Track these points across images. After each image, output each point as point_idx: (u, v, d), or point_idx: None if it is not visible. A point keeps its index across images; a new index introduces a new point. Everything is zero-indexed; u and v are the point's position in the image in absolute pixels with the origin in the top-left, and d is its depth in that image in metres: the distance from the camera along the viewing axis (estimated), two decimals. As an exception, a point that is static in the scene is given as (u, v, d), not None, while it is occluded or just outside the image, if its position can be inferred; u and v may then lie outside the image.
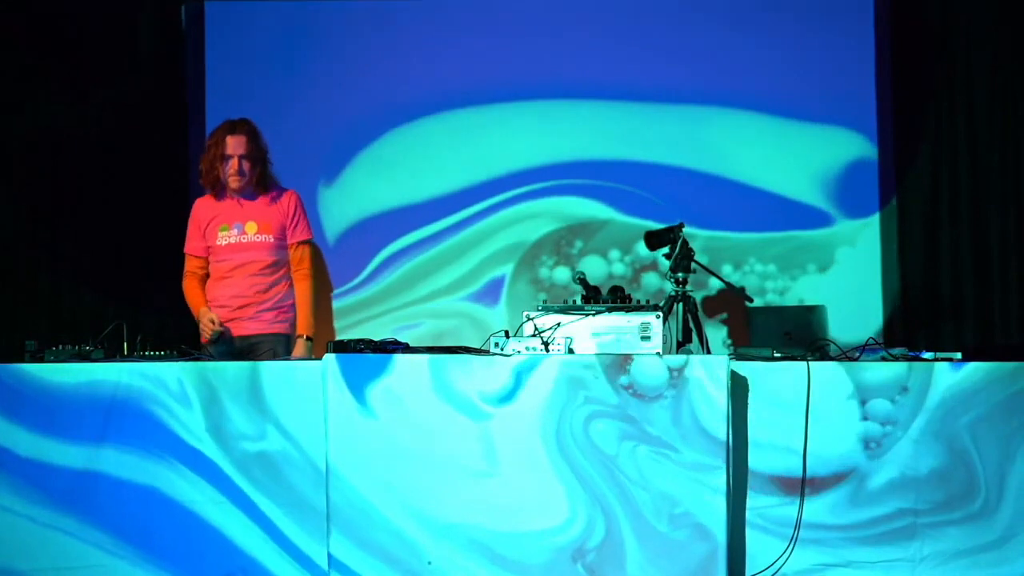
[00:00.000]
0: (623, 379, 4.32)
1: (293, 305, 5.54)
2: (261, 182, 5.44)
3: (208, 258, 5.52)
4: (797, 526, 4.38)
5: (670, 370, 4.30)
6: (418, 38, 6.65)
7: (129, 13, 6.57)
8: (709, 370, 4.28)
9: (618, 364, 4.31)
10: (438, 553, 4.33)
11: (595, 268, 6.52)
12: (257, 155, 5.41)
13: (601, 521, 4.31)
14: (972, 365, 4.41)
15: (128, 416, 4.46)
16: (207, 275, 5.54)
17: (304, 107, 6.66)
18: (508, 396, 4.33)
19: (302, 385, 4.46)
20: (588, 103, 6.56)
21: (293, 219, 5.50)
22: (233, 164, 5.38)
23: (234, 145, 5.37)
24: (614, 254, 6.57)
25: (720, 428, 4.27)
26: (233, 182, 5.40)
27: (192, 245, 5.55)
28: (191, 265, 5.55)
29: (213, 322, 5.36)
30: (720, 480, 4.26)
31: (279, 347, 5.46)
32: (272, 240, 5.46)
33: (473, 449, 4.33)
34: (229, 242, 5.45)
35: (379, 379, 4.37)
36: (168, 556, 4.46)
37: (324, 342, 4.70)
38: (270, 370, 4.50)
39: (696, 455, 4.28)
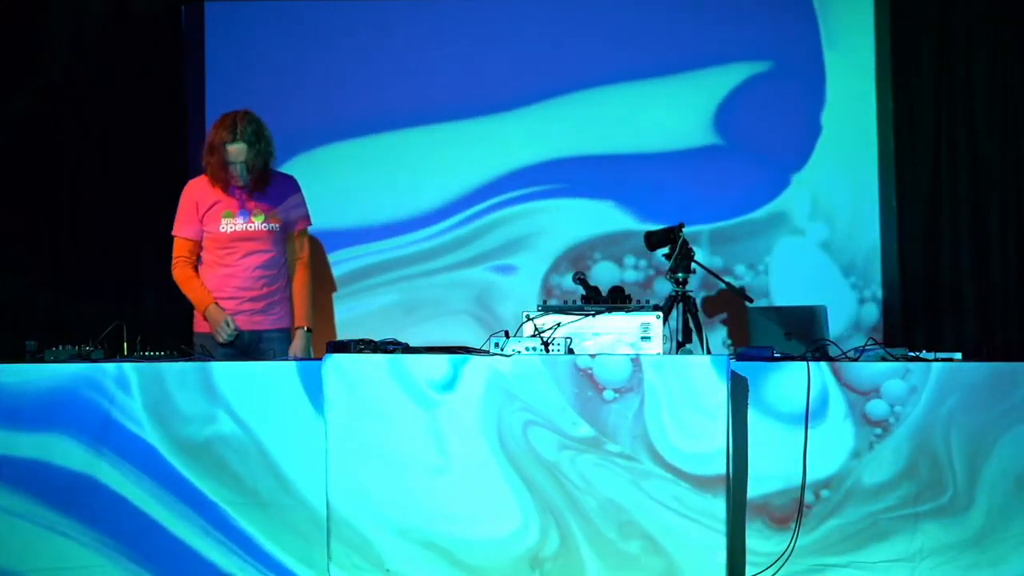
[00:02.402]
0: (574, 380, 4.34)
1: (291, 297, 5.46)
2: (264, 179, 5.32)
3: (201, 243, 5.36)
4: (797, 526, 4.38)
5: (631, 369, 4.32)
6: (419, 38, 6.64)
7: (129, 13, 6.57)
8: (673, 373, 4.29)
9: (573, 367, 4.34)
10: (396, 558, 4.33)
11: (607, 273, 6.54)
12: (259, 159, 5.27)
13: (554, 528, 4.32)
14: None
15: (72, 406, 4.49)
16: (197, 261, 5.38)
17: (304, 107, 6.65)
18: (449, 384, 4.35)
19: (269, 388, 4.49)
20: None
21: (294, 206, 5.42)
22: (235, 169, 5.26)
23: (235, 153, 5.23)
24: (629, 260, 6.57)
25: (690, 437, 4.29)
26: (236, 182, 5.30)
27: (187, 228, 5.34)
28: (183, 249, 5.34)
29: (229, 325, 5.25)
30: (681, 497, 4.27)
31: (285, 344, 5.40)
32: (278, 229, 5.36)
33: (425, 440, 4.33)
34: (234, 229, 5.30)
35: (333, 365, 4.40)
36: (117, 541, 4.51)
37: (324, 341, 4.71)
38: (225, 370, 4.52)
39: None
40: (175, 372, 4.48)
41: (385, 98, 6.63)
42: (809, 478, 4.37)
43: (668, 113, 6.54)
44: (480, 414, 4.34)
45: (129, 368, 4.49)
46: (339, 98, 6.65)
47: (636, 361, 4.31)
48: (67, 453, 4.48)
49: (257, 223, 5.32)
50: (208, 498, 4.47)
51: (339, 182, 6.55)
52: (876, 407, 4.40)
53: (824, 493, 4.39)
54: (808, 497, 4.39)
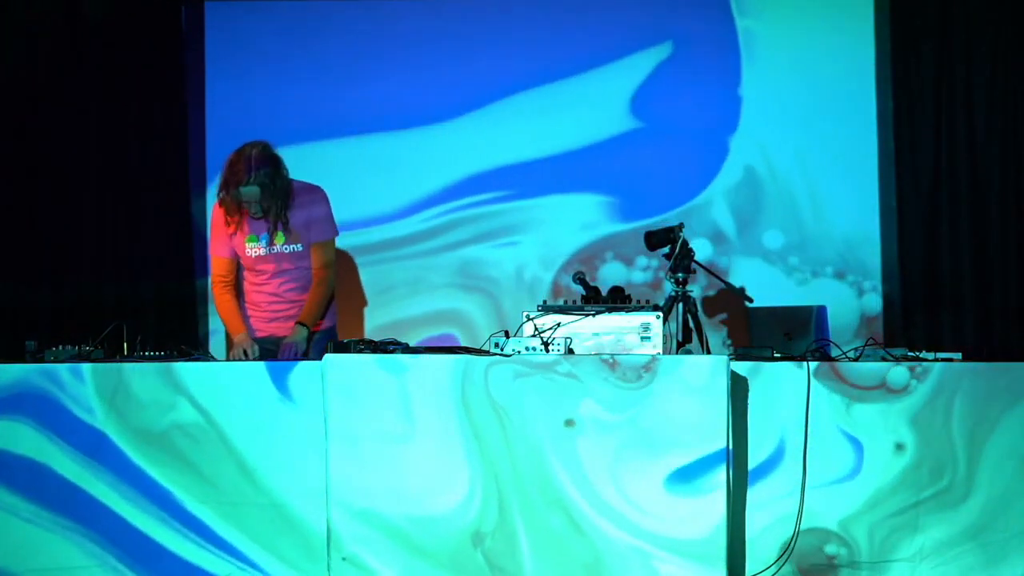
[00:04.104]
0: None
1: (327, 302, 5.43)
2: (281, 215, 5.22)
3: (237, 261, 5.35)
4: (797, 525, 4.38)
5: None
6: (419, 38, 6.66)
7: (129, 14, 6.57)
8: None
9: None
10: (352, 545, 4.32)
11: (616, 274, 6.57)
12: (274, 200, 5.19)
13: (494, 499, 4.31)
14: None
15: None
16: (238, 279, 5.37)
17: (304, 107, 6.66)
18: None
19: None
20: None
21: (316, 220, 5.32)
22: (250, 208, 5.19)
23: (249, 195, 5.15)
24: (640, 261, 6.60)
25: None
26: (254, 216, 5.25)
27: (220, 248, 5.35)
28: (220, 268, 5.35)
29: (246, 355, 5.17)
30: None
31: (318, 345, 5.33)
32: (300, 248, 5.31)
33: (392, 409, 4.33)
34: (259, 254, 5.29)
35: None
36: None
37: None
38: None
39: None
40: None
41: (384, 96, 6.65)
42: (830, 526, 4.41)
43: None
44: (448, 368, 4.36)
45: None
46: (339, 97, 6.67)
47: (653, 359, 4.31)
48: (23, 440, 4.47)
49: (279, 246, 5.30)
50: (164, 487, 4.46)
51: (339, 182, 6.56)
52: (898, 375, 4.39)
53: (842, 553, 4.40)
54: (830, 549, 4.40)
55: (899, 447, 4.37)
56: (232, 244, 5.33)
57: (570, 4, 6.64)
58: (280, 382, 4.46)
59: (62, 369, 4.48)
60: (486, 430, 4.32)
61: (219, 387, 4.47)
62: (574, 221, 6.66)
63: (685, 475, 4.27)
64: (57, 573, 4.46)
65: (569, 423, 4.29)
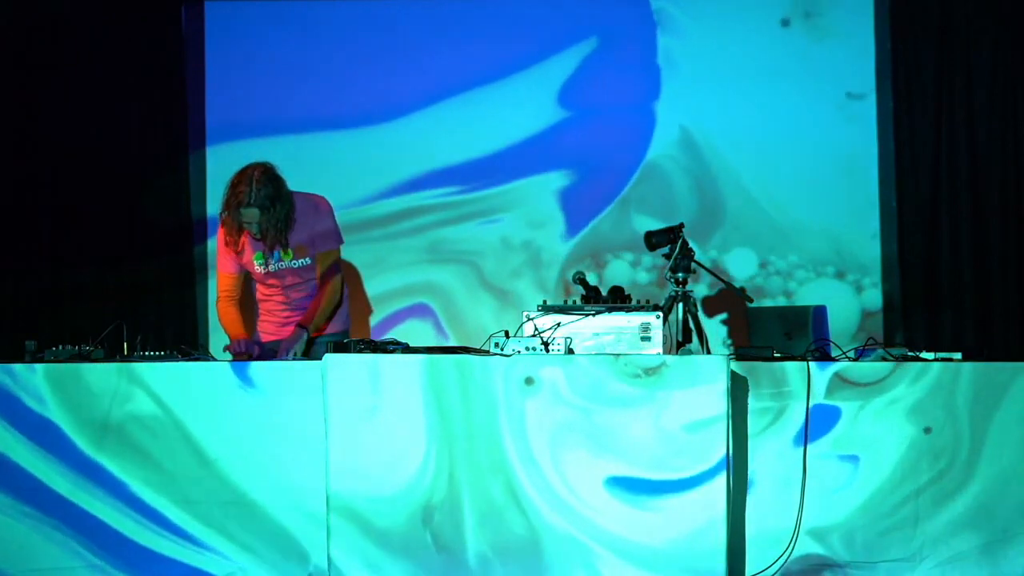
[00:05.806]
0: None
1: (338, 305, 5.41)
2: (282, 238, 5.17)
3: (241, 277, 5.32)
4: (797, 525, 4.38)
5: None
6: (419, 38, 6.68)
7: (129, 14, 6.58)
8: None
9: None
10: (313, 531, 4.34)
11: (619, 274, 6.59)
12: (274, 223, 5.12)
13: (446, 469, 4.29)
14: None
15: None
16: (241, 295, 5.34)
17: (304, 107, 6.67)
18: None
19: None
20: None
21: (319, 233, 5.27)
22: (250, 228, 5.13)
23: (249, 216, 5.08)
24: (646, 260, 6.62)
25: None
26: (254, 237, 5.21)
27: (224, 264, 5.30)
28: (224, 284, 5.30)
29: (239, 351, 5.14)
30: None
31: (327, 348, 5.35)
32: (309, 262, 5.28)
33: (363, 383, 4.32)
34: (268, 270, 5.27)
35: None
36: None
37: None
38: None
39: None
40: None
41: (388, 96, 6.68)
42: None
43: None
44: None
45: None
46: (340, 98, 6.68)
47: (663, 364, 4.28)
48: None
49: (286, 262, 5.27)
50: (118, 477, 4.45)
51: (339, 181, 6.59)
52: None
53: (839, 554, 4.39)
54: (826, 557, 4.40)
55: (901, 436, 4.37)
56: (241, 261, 5.30)
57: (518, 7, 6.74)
58: (241, 371, 4.44)
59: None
60: (448, 388, 4.29)
61: (177, 377, 4.46)
62: (536, 207, 6.73)
63: (640, 488, 4.24)
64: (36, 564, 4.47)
65: (529, 381, 4.27)
